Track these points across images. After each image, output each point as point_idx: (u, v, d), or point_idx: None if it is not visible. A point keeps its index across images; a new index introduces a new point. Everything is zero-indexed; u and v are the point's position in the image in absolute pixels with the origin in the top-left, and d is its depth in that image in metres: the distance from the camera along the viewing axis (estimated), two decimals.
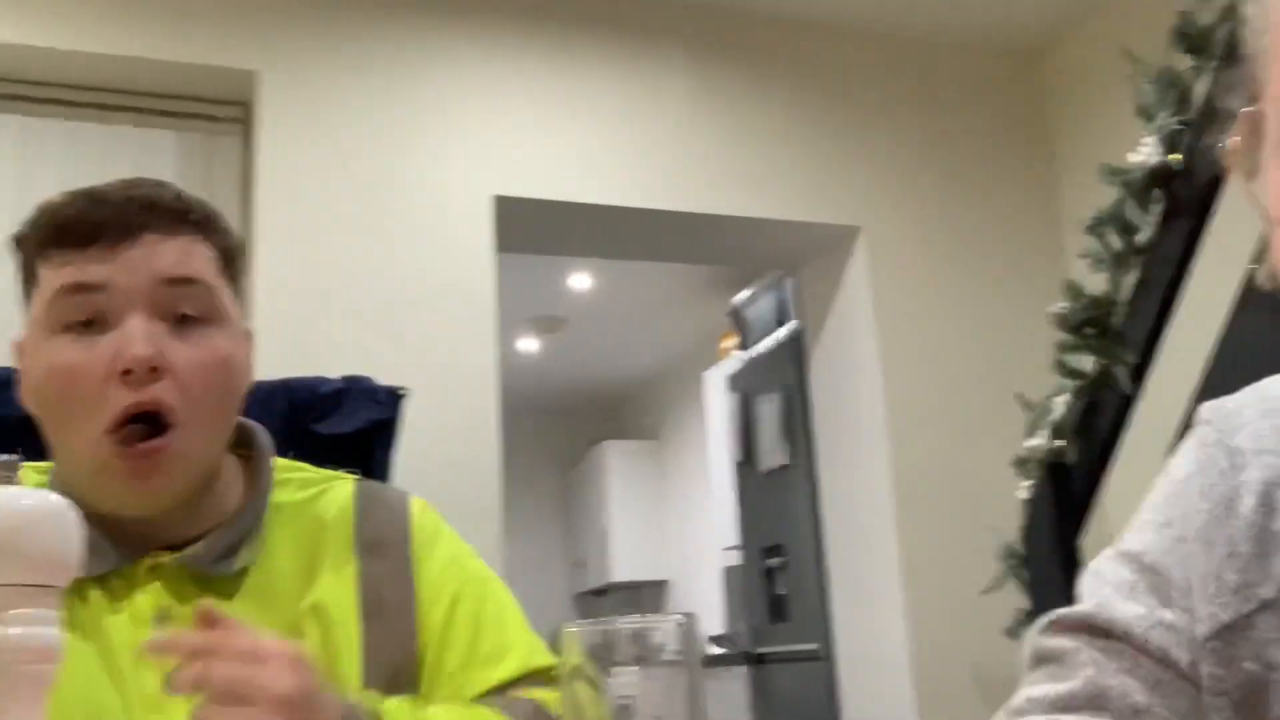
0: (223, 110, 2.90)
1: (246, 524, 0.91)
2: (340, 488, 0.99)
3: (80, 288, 0.85)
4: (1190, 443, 0.59)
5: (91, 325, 0.85)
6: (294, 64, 2.86)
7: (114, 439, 0.83)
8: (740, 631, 4.40)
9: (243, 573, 0.90)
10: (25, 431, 0.89)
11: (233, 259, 0.93)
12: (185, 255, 0.88)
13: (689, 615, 0.46)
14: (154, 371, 0.83)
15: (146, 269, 0.85)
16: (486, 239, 2.92)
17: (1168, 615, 0.54)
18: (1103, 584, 0.57)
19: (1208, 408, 0.59)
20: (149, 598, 0.87)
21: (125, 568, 0.88)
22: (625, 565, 6.47)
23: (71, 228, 0.86)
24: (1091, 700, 0.53)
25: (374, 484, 1.03)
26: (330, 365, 1.75)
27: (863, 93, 3.42)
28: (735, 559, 4.59)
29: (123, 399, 0.83)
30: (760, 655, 4.12)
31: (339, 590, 0.92)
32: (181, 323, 0.87)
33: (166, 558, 0.88)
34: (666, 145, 3.18)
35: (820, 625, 3.59)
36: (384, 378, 1.85)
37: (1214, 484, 0.55)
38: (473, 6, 3.06)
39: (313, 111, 2.85)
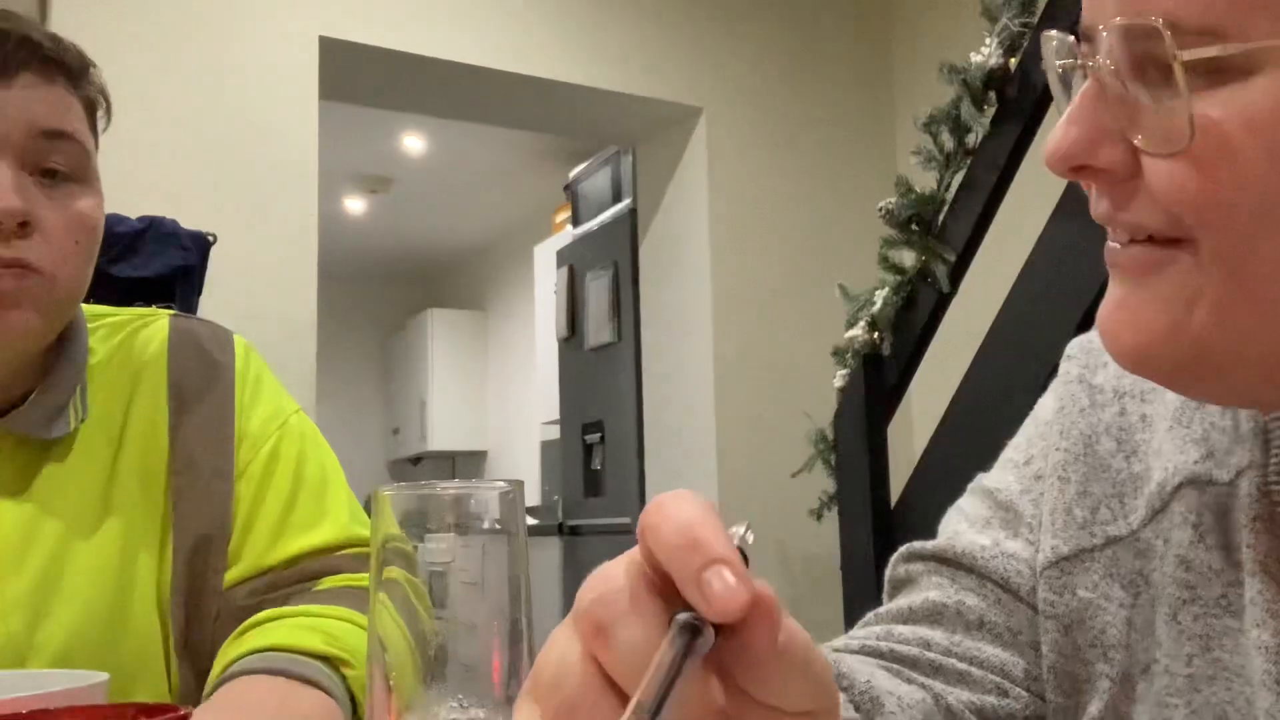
0: None
1: (71, 380, 0.84)
2: (154, 327, 0.91)
3: None
4: (1056, 380, 0.59)
5: None
6: None
7: None
8: (555, 503, 4.46)
9: (71, 435, 0.83)
10: None
11: (95, 111, 0.86)
12: (61, 107, 0.80)
13: (515, 483, 0.42)
14: (23, 226, 0.76)
15: (22, 116, 0.77)
16: (310, 83, 2.73)
17: (1012, 546, 0.57)
18: (960, 519, 0.60)
19: (1074, 344, 0.60)
20: None
21: None
22: (443, 434, 6.43)
23: None
24: (928, 614, 0.57)
25: (191, 322, 0.94)
26: (131, 206, 1.61)
27: None
28: (554, 433, 4.62)
29: None
30: (574, 527, 4.19)
31: (150, 446, 0.86)
32: (50, 178, 0.79)
33: None
34: (513, 4, 3.03)
35: (634, 500, 3.65)
36: (190, 222, 1.73)
37: (1074, 423, 0.56)
38: None
39: None
